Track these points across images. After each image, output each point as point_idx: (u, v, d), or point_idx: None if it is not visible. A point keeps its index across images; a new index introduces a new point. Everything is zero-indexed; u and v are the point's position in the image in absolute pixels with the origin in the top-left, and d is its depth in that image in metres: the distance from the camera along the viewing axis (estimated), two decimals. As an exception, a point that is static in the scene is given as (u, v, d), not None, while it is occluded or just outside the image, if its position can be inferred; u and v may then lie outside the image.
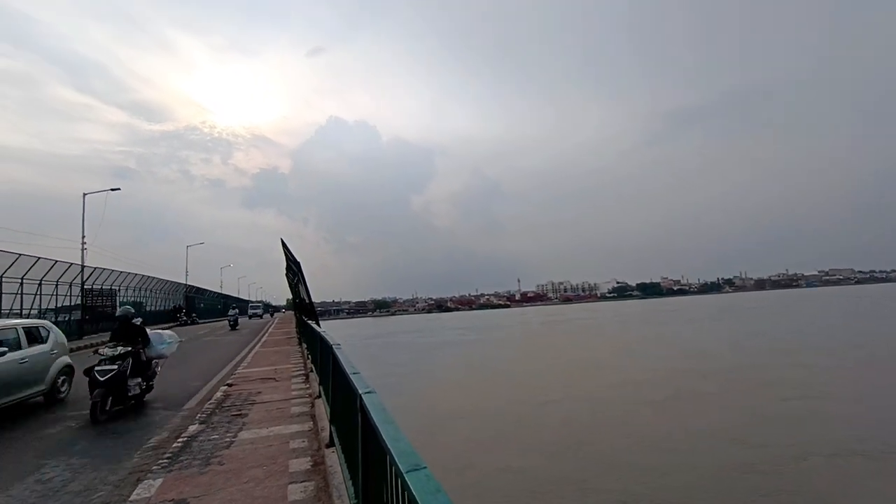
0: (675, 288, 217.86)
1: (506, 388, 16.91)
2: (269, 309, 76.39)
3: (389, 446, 1.48)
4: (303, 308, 16.81)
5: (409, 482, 1.17)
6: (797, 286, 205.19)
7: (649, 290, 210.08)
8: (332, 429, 4.10)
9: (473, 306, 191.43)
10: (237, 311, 30.44)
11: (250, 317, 54.08)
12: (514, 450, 9.96)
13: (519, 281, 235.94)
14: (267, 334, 23.06)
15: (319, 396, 6.15)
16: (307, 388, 7.93)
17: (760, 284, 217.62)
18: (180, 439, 5.32)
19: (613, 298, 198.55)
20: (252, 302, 69.76)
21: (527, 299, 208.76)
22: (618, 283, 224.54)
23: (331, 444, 4.07)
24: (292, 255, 13.64)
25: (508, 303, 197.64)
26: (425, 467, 1.24)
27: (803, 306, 62.53)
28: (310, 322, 10.96)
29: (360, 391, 2.31)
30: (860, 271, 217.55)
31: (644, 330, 41.07)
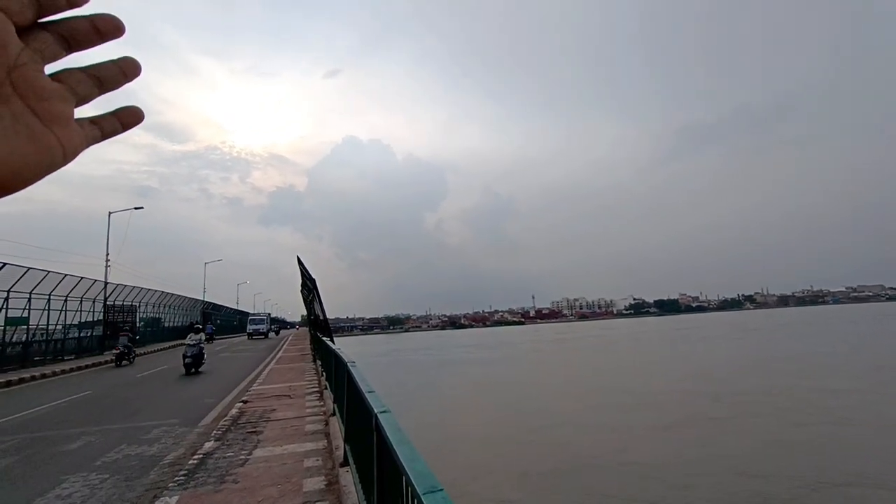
0: (693, 305, 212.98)
1: (506, 410, 16.53)
2: (276, 325, 64.86)
3: (406, 467, 1.48)
4: (317, 324, 16.90)
5: (426, 504, 1.18)
6: (823, 303, 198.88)
7: (667, 307, 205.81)
8: (347, 448, 4.09)
9: (487, 323, 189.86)
10: (200, 336, 15.59)
11: (250, 335, 41.09)
12: (506, 478, 9.71)
13: (533, 298, 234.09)
14: (282, 350, 23.21)
15: (334, 414, 6.14)
16: (322, 406, 7.93)
17: (783, 301, 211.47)
18: (196, 456, 5.35)
19: (630, 315, 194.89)
20: (252, 314, 51.48)
21: (541, 316, 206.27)
22: (634, 299, 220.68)
23: (345, 463, 4.05)
24: (307, 272, 13.81)
25: (523, 320, 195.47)
26: (442, 489, 1.24)
27: (827, 325, 60.41)
28: (324, 339, 11.01)
29: (376, 410, 2.32)
30: (891, 288, 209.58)
31: (657, 349, 40.17)
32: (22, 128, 0.30)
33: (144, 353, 24.13)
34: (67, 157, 0.33)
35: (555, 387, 22.26)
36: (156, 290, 32.20)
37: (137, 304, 29.17)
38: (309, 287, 15.23)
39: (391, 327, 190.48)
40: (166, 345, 29.95)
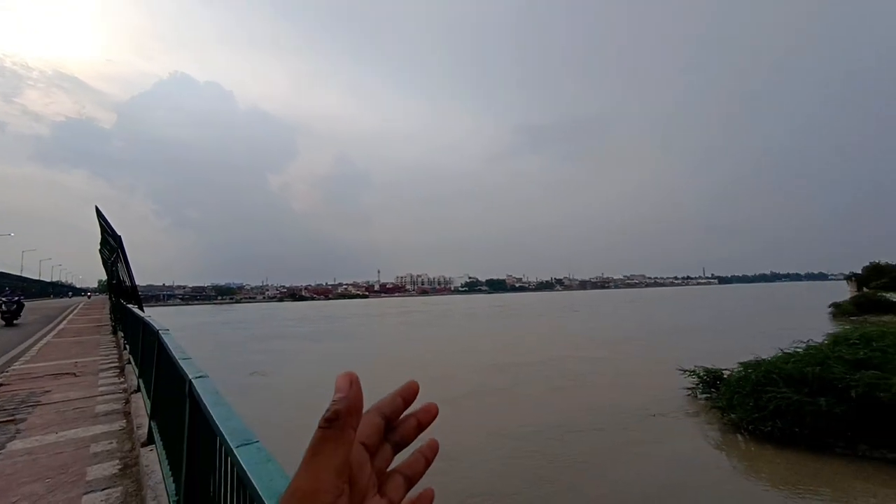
0: (517, 285, 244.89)
1: (299, 388, 16.78)
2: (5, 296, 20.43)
3: (220, 426, 1.41)
4: (121, 290, 14.11)
5: (238, 456, 1.14)
6: (608, 287, 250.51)
7: (496, 286, 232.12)
8: (153, 424, 3.59)
9: (330, 296, 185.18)
10: None
11: None
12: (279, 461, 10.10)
13: (379, 272, 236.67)
14: (66, 321, 18.63)
15: (138, 390, 5.28)
16: (122, 383, 6.74)
17: (583, 285, 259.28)
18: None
19: (465, 292, 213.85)
20: None
21: (386, 290, 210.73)
22: (469, 278, 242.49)
23: (149, 441, 3.56)
24: (110, 228, 11.35)
25: (367, 293, 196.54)
26: (257, 441, 1.22)
27: (604, 305, 76.39)
28: (130, 307, 9.27)
29: (191, 376, 2.11)
30: (649, 277, 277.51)
31: (472, 325, 45.43)
32: None
33: None
34: None
35: (369, 361, 23.20)
36: None
37: None
38: (112, 246, 12.58)
39: (219, 297, 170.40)
40: None
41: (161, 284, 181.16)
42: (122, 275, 14.62)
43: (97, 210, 11.52)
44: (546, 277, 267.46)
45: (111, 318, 16.34)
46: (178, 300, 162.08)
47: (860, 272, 63.30)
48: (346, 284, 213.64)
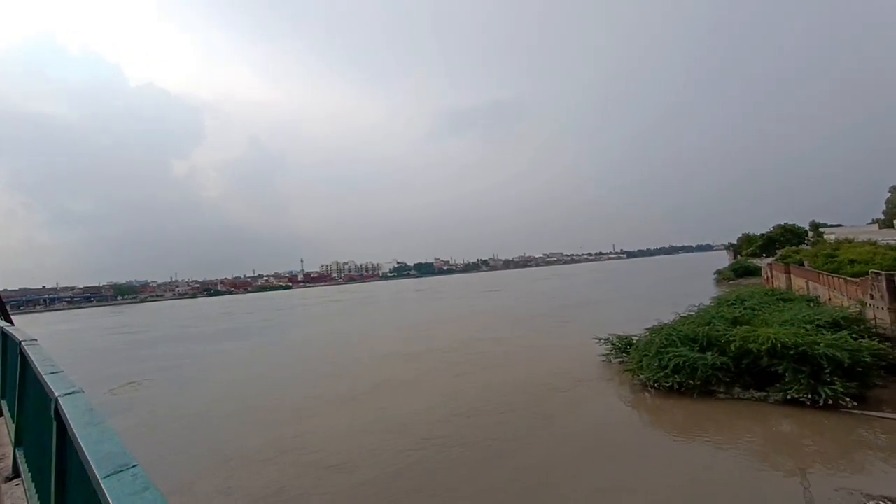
0: (445, 268, 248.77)
1: (177, 402, 16.00)
2: None
3: (87, 452, 1.15)
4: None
5: (105, 488, 0.93)
6: (530, 266, 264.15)
7: (424, 270, 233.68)
8: (18, 454, 3.02)
9: (250, 289, 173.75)
10: None
11: None
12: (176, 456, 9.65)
13: (302, 261, 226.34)
14: None
15: (0, 415, 4.45)
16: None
17: (507, 264, 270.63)
18: None
19: (394, 277, 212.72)
20: None
21: (310, 280, 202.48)
22: (398, 263, 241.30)
23: (15, 474, 2.99)
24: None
25: (290, 284, 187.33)
26: (135, 465, 1.01)
27: (524, 282, 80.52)
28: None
29: (58, 393, 1.75)
30: (566, 254, 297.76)
31: (395, 310, 45.78)
32: None
33: None
34: None
35: (265, 361, 22.29)
36: None
37: None
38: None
39: (119, 298, 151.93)
40: None
41: (41, 287, 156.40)
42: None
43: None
44: (472, 259, 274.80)
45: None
46: (66, 303, 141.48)
47: (736, 242, 73.61)
48: (268, 276, 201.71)
